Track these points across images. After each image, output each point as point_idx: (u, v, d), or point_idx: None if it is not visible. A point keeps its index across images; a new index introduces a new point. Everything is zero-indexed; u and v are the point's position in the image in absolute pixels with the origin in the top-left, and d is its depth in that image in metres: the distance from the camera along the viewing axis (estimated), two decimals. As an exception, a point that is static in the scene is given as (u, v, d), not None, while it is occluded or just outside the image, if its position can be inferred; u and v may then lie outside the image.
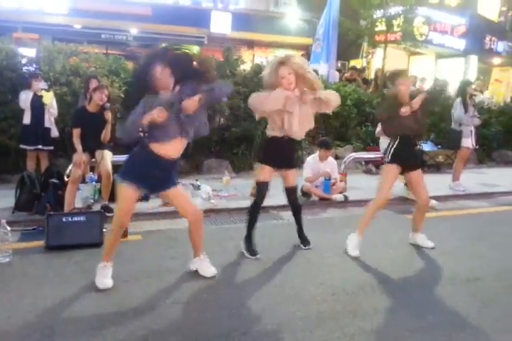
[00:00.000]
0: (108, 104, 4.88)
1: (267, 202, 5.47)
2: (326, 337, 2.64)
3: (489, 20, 19.27)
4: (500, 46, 19.31)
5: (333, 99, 3.86)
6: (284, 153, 3.94)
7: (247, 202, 5.59)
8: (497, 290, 3.35)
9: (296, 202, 4.18)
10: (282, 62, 3.69)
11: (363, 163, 8.29)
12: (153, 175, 3.13)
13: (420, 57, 18.27)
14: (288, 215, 5.28)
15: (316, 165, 5.88)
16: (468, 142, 6.78)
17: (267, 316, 2.87)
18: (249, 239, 3.99)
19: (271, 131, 3.89)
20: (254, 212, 4.02)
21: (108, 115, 4.87)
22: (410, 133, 4.06)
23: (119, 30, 13.08)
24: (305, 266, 3.77)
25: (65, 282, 3.32)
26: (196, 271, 3.50)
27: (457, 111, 6.75)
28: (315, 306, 3.02)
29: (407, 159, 4.09)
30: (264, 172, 3.93)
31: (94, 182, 5.28)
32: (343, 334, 2.67)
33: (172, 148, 3.12)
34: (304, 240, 4.18)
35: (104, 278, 3.22)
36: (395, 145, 4.10)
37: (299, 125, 3.78)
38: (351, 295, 3.21)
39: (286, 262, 3.85)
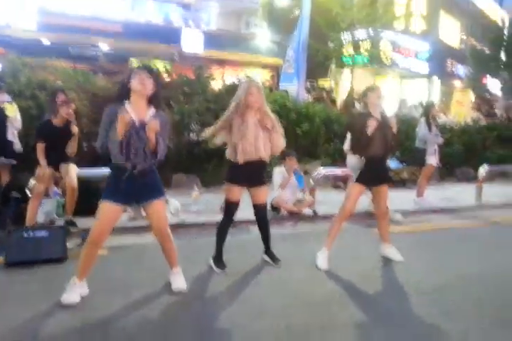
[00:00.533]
0: (73, 118, 4.78)
1: (237, 215, 5.46)
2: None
3: (450, 47, 20.20)
4: (461, 70, 20.19)
5: (280, 143, 3.96)
6: (251, 172, 3.90)
7: (217, 217, 5.57)
8: (458, 301, 3.41)
9: (265, 218, 4.13)
10: (254, 83, 3.96)
11: (331, 178, 8.38)
12: (124, 186, 3.13)
13: (386, 78, 18.88)
14: (256, 229, 5.29)
15: (284, 178, 5.90)
16: (433, 159, 6.98)
17: (236, 330, 2.83)
18: (218, 255, 3.98)
19: (231, 157, 3.90)
20: (223, 229, 4.01)
21: (74, 129, 4.78)
22: (377, 153, 4.12)
23: (88, 45, 12.99)
24: (274, 279, 3.75)
25: (27, 300, 3.20)
26: (168, 284, 3.46)
27: (422, 130, 6.98)
28: (284, 319, 3.00)
29: (373, 178, 4.18)
30: (232, 191, 3.91)
31: (57, 197, 5.15)
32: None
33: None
34: (272, 257, 4.15)
35: (72, 295, 3.12)
36: (362, 166, 4.16)
37: (257, 147, 3.81)
38: (321, 307, 3.21)
39: (255, 276, 3.83)
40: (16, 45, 11.92)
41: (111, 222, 3.20)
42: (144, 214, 5.16)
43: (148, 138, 3.05)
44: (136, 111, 3.09)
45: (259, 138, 3.81)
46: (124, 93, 3.11)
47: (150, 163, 3.20)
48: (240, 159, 3.78)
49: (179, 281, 3.43)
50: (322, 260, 4.06)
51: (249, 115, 3.82)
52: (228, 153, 3.93)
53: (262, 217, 4.11)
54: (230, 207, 3.95)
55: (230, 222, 4.03)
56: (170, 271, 3.49)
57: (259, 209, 4.07)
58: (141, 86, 3.04)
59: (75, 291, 3.14)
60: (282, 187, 5.84)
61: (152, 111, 3.17)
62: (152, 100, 3.16)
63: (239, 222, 5.42)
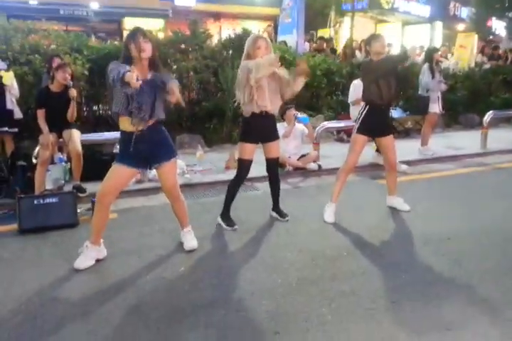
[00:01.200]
0: (71, 82, 4.72)
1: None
2: (307, 302, 2.71)
3: (453, -14, 19.33)
4: (464, 12, 19.45)
5: (299, 85, 3.84)
6: (264, 128, 3.90)
7: (222, 176, 5.63)
8: (466, 249, 3.49)
9: (276, 173, 4.17)
10: (261, 37, 3.89)
11: (335, 132, 8.35)
12: (133, 150, 3.14)
13: (387, 25, 18.28)
14: (263, 186, 5.35)
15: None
16: (436, 107, 6.89)
17: (247, 285, 2.92)
18: (226, 212, 4.03)
19: (246, 110, 3.84)
20: (234, 188, 4.02)
21: (73, 93, 4.72)
22: (382, 100, 4.08)
23: (78, 5, 12.53)
24: (283, 234, 3.83)
25: (42, 264, 3.30)
26: (179, 244, 3.56)
27: (425, 77, 6.83)
28: (295, 273, 3.09)
29: (376, 128, 4.16)
30: (246, 149, 3.89)
31: (63, 163, 5.17)
32: (324, 297, 2.75)
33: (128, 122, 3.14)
34: (280, 213, 4.21)
35: (84, 259, 3.21)
36: (363, 115, 4.16)
37: (270, 100, 3.78)
38: (330, 260, 3.30)
39: (264, 232, 3.90)
40: (2, 7, 11.55)
41: (119, 183, 3.24)
42: (150, 176, 5.24)
43: (172, 91, 3.03)
44: (140, 73, 3.03)
45: (271, 92, 3.78)
46: (126, 59, 3.07)
47: (158, 120, 3.20)
48: (257, 109, 3.76)
49: (191, 240, 3.52)
50: (329, 213, 4.13)
51: None
52: (242, 108, 3.88)
53: (274, 172, 4.14)
54: (243, 166, 3.94)
55: (242, 180, 4.05)
56: (181, 231, 3.57)
57: (272, 164, 4.09)
58: (140, 52, 3.03)
59: (88, 255, 3.23)
60: (285, 136, 5.80)
61: (152, 73, 3.15)
62: (151, 64, 3.14)
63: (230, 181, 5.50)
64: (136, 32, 3.08)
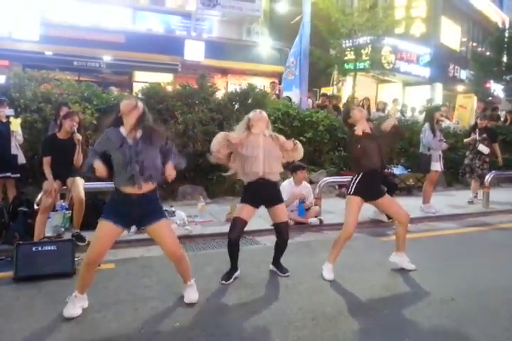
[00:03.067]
0: (75, 129, 4.74)
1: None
2: (306, 364, 2.60)
3: (452, 50, 20.22)
4: (463, 74, 20.20)
5: (300, 152, 4.06)
6: (263, 193, 3.90)
7: (223, 228, 5.58)
8: (471, 311, 3.39)
9: (286, 238, 4.04)
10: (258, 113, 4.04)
11: (337, 187, 8.39)
12: (126, 211, 3.20)
13: (388, 85, 18.91)
14: (263, 239, 5.32)
15: (291, 190, 5.92)
16: (437, 166, 6.96)
17: (245, 344, 2.82)
18: (232, 270, 3.99)
19: (243, 178, 3.93)
20: (230, 248, 3.92)
21: (77, 137, 4.77)
22: (374, 166, 4.03)
23: (91, 57, 13.06)
24: (283, 291, 3.74)
25: (34, 314, 3.21)
26: (177, 297, 3.49)
27: (426, 136, 6.96)
28: (294, 332, 2.99)
29: (370, 192, 4.09)
30: (242, 209, 3.90)
31: (64, 210, 5.16)
32: (323, 359, 2.64)
33: (134, 188, 3.18)
34: (281, 268, 4.14)
35: (72, 308, 3.17)
36: (357, 180, 4.07)
37: (269, 166, 3.83)
38: (331, 319, 3.19)
39: (264, 288, 3.81)
40: (18, 57, 12.05)
41: (108, 242, 3.24)
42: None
43: (168, 173, 3.28)
44: (128, 131, 3.21)
45: (270, 159, 3.85)
46: (117, 120, 3.25)
47: (155, 184, 3.27)
48: (247, 179, 3.90)
49: (192, 293, 3.46)
50: (327, 271, 4.06)
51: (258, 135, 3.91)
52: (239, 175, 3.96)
53: (284, 237, 4.03)
54: (236, 224, 3.88)
55: (234, 240, 3.87)
56: (183, 284, 3.50)
57: (282, 229, 4.01)
58: (128, 116, 3.20)
59: (75, 305, 3.19)
60: (286, 204, 5.83)
61: (139, 132, 3.22)
62: (138, 123, 3.22)
63: (244, 233, 5.44)
64: (127, 99, 3.34)
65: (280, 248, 4.12)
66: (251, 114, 4.01)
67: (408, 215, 4.27)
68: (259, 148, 3.82)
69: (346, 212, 4.15)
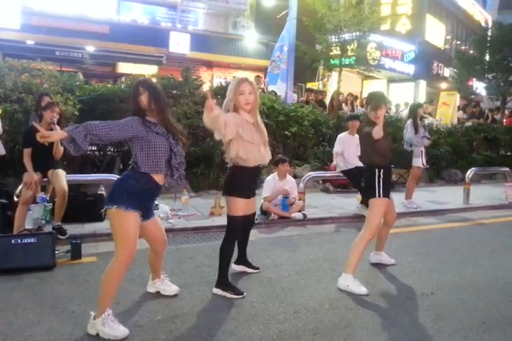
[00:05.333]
0: (55, 120, 4.61)
1: (219, 221, 5.46)
2: (287, 357, 2.61)
3: (436, 48, 20.39)
4: (447, 72, 20.40)
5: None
6: (255, 182, 3.63)
7: (207, 222, 5.58)
8: (450, 304, 3.44)
9: (250, 229, 3.94)
10: (245, 80, 3.43)
11: (321, 181, 8.43)
12: (147, 201, 2.99)
13: (373, 81, 19.01)
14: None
15: (275, 184, 5.93)
16: (419, 162, 7.03)
17: (227, 337, 2.82)
18: (224, 279, 3.52)
19: (240, 161, 3.38)
20: (227, 251, 3.51)
21: (56, 129, 4.67)
22: (389, 160, 3.92)
23: (74, 47, 12.84)
24: (265, 285, 3.74)
25: (13, 307, 3.16)
26: (157, 293, 3.44)
27: (408, 132, 7.03)
28: (276, 325, 3.00)
29: (389, 188, 3.91)
30: (238, 205, 3.42)
31: (45, 203, 5.08)
32: (304, 352, 2.66)
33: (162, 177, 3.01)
34: (250, 265, 4.03)
35: (118, 327, 2.77)
36: (381, 179, 3.81)
37: (265, 151, 3.49)
38: (312, 312, 3.21)
39: (245, 281, 3.81)
40: (-1, 45, 11.80)
41: (137, 236, 2.88)
42: None
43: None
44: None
45: (263, 144, 3.47)
46: (138, 110, 2.93)
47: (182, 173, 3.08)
48: (252, 163, 3.40)
49: (172, 285, 3.47)
50: (355, 285, 3.63)
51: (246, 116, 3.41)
52: (233, 159, 3.41)
53: (251, 227, 3.91)
54: (238, 222, 3.47)
55: (235, 241, 3.58)
56: (157, 279, 3.46)
57: (251, 219, 3.81)
58: (148, 104, 2.91)
59: (116, 324, 2.80)
60: (269, 199, 5.86)
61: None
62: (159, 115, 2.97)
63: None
64: (144, 84, 2.97)
65: (245, 241, 3.94)
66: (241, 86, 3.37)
67: (396, 217, 4.24)
68: (256, 134, 3.41)
69: (372, 215, 3.80)
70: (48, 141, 2.81)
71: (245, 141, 3.32)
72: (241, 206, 3.44)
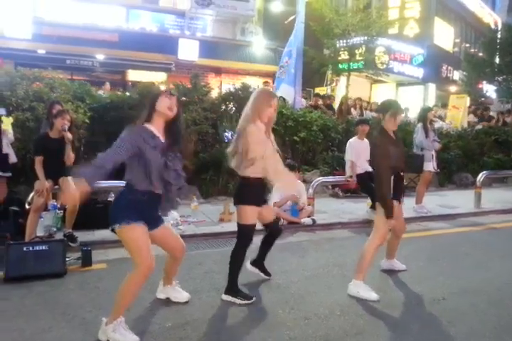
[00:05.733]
0: (66, 127, 4.68)
1: (228, 227, 5.47)
2: (297, 364, 2.60)
3: (445, 51, 20.32)
4: (456, 75, 20.30)
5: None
6: (264, 190, 3.67)
7: (216, 228, 5.59)
8: (461, 309, 3.40)
9: (277, 236, 3.87)
10: (275, 95, 3.61)
11: (330, 187, 8.40)
12: (149, 212, 2.96)
13: (382, 85, 18.97)
14: (257, 239, 5.27)
15: (284, 190, 5.92)
16: (430, 166, 6.99)
17: (237, 344, 2.82)
18: (234, 286, 3.50)
19: (252, 173, 3.40)
20: (238, 258, 3.52)
21: (68, 136, 4.74)
22: (402, 165, 3.91)
23: (84, 55, 12.99)
24: (275, 290, 3.74)
25: (25, 314, 3.18)
26: (167, 299, 3.45)
27: (418, 136, 6.99)
28: (286, 331, 2.99)
29: (399, 192, 3.91)
30: (250, 213, 3.45)
31: (56, 210, 5.13)
32: (315, 359, 2.64)
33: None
34: (265, 270, 3.99)
35: (129, 335, 2.80)
36: (392, 183, 3.77)
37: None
38: (322, 319, 3.20)
39: (255, 288, 3.81)
40: (10, 55, 11.98)
41: (149, 245, 2.89)
42: None
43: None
44: (159, 132, 2.92)
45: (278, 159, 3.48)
46: (148, 114, 2.90)
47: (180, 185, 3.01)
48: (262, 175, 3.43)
49: (183, 291, 3.48)
50: (366, 291, 3.62)
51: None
52: (248, 170, 3.40)
53: (277, 235, 3.85)
54: (250, 230, 3.50)
55: (246, 248, 3.56)
56: (169, 286, 3.48)
57: (274, 227, 3.77)
58: (171, 111, 2.88)
59: (127, 332, 2.82)
60: (278, 205, 5.87)
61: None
62: (172, 125, 2.95)
63: (230, 233, 5.46)
64: (171, 93, 2.95)
65: (267, 248, 3.90)
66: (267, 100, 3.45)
67: (405, 227, 4.19)
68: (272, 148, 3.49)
69: (381, 219, 3.72)
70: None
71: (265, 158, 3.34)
72: (251, 214, 3.46)
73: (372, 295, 3.57)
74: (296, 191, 5.91)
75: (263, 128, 3.43)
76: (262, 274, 3.97)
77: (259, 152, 3.31)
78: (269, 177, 3.38)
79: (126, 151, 2.72)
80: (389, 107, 3.87)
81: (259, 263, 3.96)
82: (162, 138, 2.90)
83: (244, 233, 3.50)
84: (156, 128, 2.89)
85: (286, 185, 3.49)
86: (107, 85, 11.40)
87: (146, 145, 2.78)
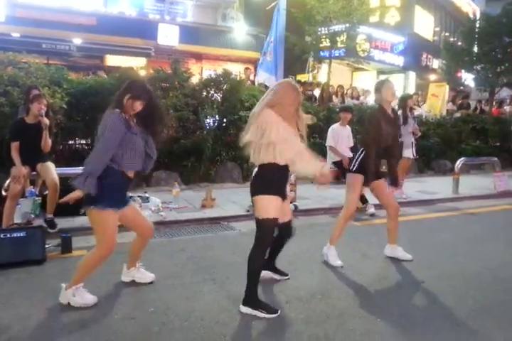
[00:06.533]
0: (43, 112, 4.61)
1: (211, 213, 5.47)
2: (280, 346, 2.62)
3: (425, 39, 20.44)
4: (436, 63, 20.46)
5: None
6: (285, 180, 3.25)
7: (198, 214, 5.57)
8: (440, 292, 3.47)
9: (288, 238, 3.53)
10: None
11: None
12: (123, 195, 3.19)
13: (362, 73, 19.02)
14: (239, 225, 5.31)
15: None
16: (409, 153, 7.07)
17: (220, 328, 2.82)
18: (254, 295, 3.09)
19: (269, 159, 3.03)
20: (258, 261, 3.09)
21: (44, 121, 4.63)
22: (380, 146, 4.04)
23: (61, 40, 12.63)
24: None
25: (2, 303, 3.13)
26: (132, 281, 3.50)
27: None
28: (282, 314, 3.00)
29: (377, 172, 4.07)
30: (270, 204, 3.01)
31: (34, 197, 5.03)
32: (297, 341, 2.67)
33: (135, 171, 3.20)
34: (279, 271, 3.69)
35: (87, 296, 3.12)
36: (361, 156, 4.06)
37: None
38: (304, 302, 3.23)
39: (238, 273, 3.80)
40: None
41: (116, 229, 3.08)
42: None
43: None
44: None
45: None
46: (120, 103, 3.02)
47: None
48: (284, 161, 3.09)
49: (146, 272, 3.55)
50: (333, 257, 4.03)
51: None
52: (267, 157, 3.03)
53: (288, 238, 3.52)
54: (272, 226, 3.06)
55: (267, 247, 3.15)
56: (132, 268, 3.51)
57: (289, 227, 3.46)
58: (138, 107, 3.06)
59: (84, 295, 3.12)
60: None
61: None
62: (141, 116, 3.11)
63: (220, 219, 5.45)
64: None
65: (279, 249, 3.58)
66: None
67: (398, 206, 4.25)
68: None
69: (349, 190, 4.11)
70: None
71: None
72: (272, 205, 3.01)
73: (337, 262, 3.98)
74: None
75: (286, 116, 3.06)
76: (276, 276, 3.63)
77: (280, 135, 2.96)
78: (289, 161, 3.04)
79: (116, 142, 2.91)
80: (383, 83, 4.15)
81: (271, 265, 3.62)
82: (133, 121, 3.09)
83: (264, 229, 3.02)
84: (129, 110, 3.05)
85: (308, 168, 3.06)
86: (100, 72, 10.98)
87: (128, 131, 2.97)
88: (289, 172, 3.20)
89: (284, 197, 3.15)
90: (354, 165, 4.10)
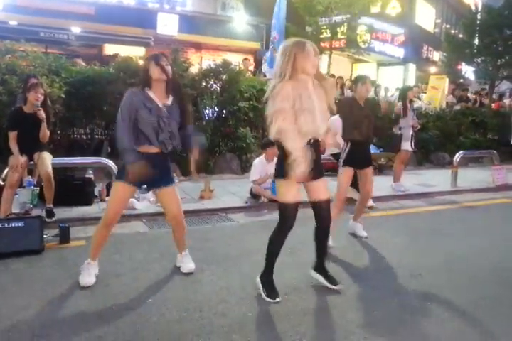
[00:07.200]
0: (38, 103, 4.57)
1: (209, 205, 5.46)
2: (278, 337, 2.64)
3: (426, 31, 20.32)
4: (436, 55, 20.38)
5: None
6: (316, 160, 3.00)
7: (196, 205, 5.57)
8: (438, 285, 3.49)
9: (329, 221, 3.23)
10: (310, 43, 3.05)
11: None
12: (151, 174, 3.18)
13: (363, 65, 18.94)
14: (237, 217, 5.32)
15: (263, 167, 5.91)
16: (408, 145, 7.06)
17: (218, 318, 2.83)
18: (269, 276, 3.15)
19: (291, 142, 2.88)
20: (275, 242, 3.12)
21: (41, 114, 4.61)
22: (363, 137, 4.33)
23: (59, 28, 12.52)
24: (255, 266, 3.74)
25: (0, 293, 3.13)
26: (155, 274, 3.52)
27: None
28: (266, 306, 3.02)
29: (359, 162, 4.38)
30: (285, 188, 2.97)
31: (32, 186, 5.02)
32: (295, 332, 2.68)
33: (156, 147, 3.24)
34: (329, 278, 3.33)
35: (88, 276, 3.25)
36: (347, 151, 4.36)
37: (321, 121, 2.93)
38: (301, 293, 3.24)
39: (236, 264, 3.83)
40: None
41: (125, 202, 3.33)
42: (138, 207, 5.18)
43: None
44: (158, 97, 3.21)
45: (316, 112, 2.90)
46: (145, 81, 3.20)
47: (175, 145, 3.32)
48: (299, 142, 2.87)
49: (188, 263, 3.58)
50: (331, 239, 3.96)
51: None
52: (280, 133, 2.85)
53: (327, 218, 3.21)
54: (288, 211, 3.02)
55: (287, 231, 3.09)
56: (178, 255, 3.62)
57: (324, 208, 3.18)
58: (163, 74, 3.16)
59: (91, 273, 3.28)
60: (258, 182, 5.85)
61: (171, 97, 3.27)
62: (169, 87, 3.24)
63: (217, 210, 5.45)
64: (159, 55, 3.24)
65: (322, 237, 3.28)
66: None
67: (370, 192, 4.60)
68: (312, 98, 2.89)
69: (338, 182, 4.41)
70: None
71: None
72: (287, 189, 2.95)
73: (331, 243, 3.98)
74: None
75: (307, 82, 2.89)
76: (325, 282, 3.31)
77: (274, 107, 2.81)
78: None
79: (129, 118, 3.09)
80: (359, 78, 4.50)
81: (320, 268, 3.35)
82: (160, 103, 3.17)
83: (282, 213, 3.02)
84: (155, 92, 3.18)
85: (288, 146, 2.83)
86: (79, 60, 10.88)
87: (143, 108, 3.11)
88: (317, 149, 3.01)
89: (312, 177, 2.96)
90: (342, 160, 4.39)
